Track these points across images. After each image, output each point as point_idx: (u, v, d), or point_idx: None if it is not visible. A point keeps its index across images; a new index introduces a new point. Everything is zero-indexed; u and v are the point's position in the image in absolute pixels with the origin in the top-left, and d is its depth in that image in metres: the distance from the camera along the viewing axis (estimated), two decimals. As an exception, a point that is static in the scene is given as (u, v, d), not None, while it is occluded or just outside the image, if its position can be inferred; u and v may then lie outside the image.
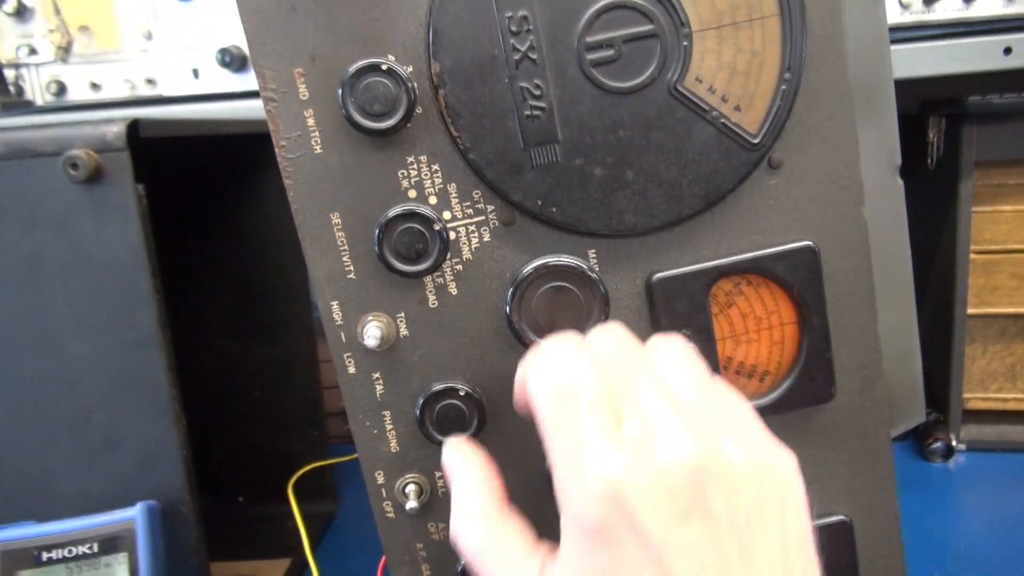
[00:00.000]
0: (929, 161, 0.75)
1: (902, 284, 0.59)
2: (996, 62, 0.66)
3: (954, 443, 0.76)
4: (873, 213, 0.54)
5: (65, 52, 0.79)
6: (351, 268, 0.34)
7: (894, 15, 0.67)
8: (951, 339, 0.75)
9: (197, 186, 0.71)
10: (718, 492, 0.26)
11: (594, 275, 0.34)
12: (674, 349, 0.30)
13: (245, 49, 0.75)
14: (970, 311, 0.75)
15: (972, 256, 0.74)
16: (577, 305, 0.34)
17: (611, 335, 0.30)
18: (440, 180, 0.34)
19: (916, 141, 0.74)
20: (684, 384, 0.28)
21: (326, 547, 0.74)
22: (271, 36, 0.32)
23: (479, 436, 0.35)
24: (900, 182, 0.55)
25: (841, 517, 0.38)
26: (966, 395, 0.77)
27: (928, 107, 0.74)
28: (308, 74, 0.32)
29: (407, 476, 0.36)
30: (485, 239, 0.34)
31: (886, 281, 0.58)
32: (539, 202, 0.34)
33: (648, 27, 0.32)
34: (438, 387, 0.35)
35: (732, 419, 0.28)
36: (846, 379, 0.37)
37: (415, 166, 0.34)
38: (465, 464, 0.32)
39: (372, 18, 0.32)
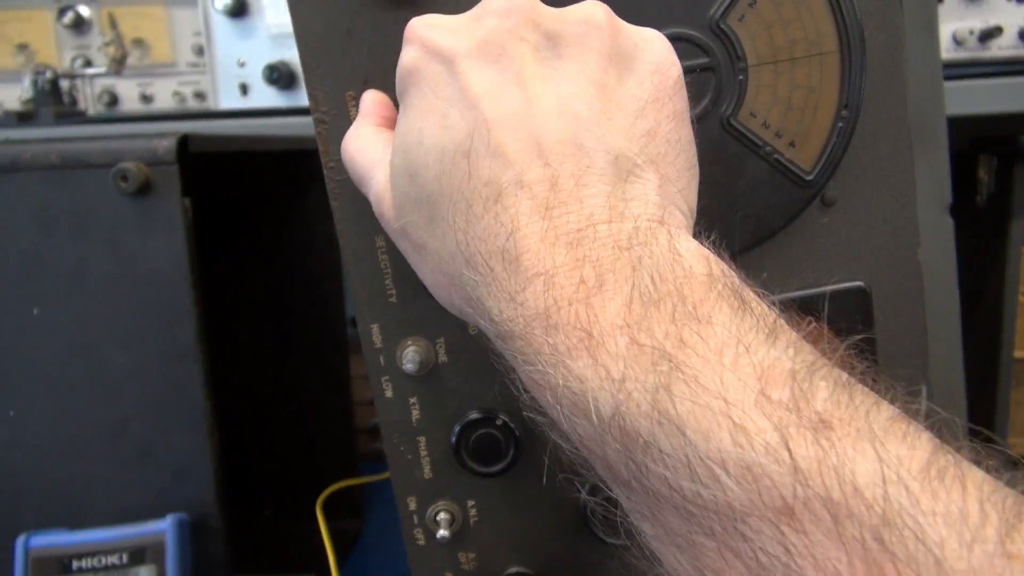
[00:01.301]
0: (979, 199, 0.74)
1: (949, 325, 0.58)
2: (1051, 101, 0.65)
3: (998, 491, 0.74)
4: (922, 251, 0.53)
5: (119, 65, 0.80)
6: (393, 292, 0.34)
7: (948, 51, 0.66)
8: (997, 383, 0.73)
9: (239, 200, 0.72)
10: (529, 23, 0.27)
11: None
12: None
13: (293, 66, 0.76)
14: (1017, 354, 0.73)
15: (1021, 298, 0.72)
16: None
17: None
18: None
19: (966, 179, 0.73)
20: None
21: (351, 566, 0.74)
22: (325, 59, 0.32)
23: (513, 468, 0.35)
24: (950, 220, 0.54)
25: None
26: (1011, 440, 0.75)
27: (979, 145, 0.73)
28: (359, 97, 0.33)
29: (439, 503, 0.36)
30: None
31: (933, 321, 0.57)
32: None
33: (704, 60, 0.32)
34: (475, 416, 0.35)
35: None
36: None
37: (462, 192, 0.33)
38: (365, 97, 0.33)
39: None
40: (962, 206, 0.66)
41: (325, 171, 0.33)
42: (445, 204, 0.26)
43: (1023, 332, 0.73)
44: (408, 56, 0.28)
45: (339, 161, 0.33)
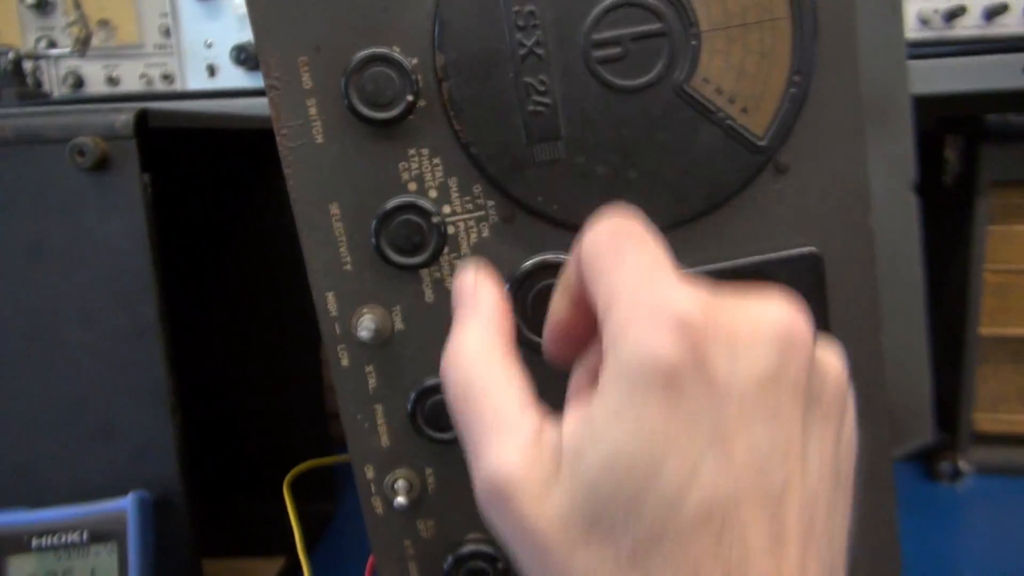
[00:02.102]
0: (945, 179, 0.74)
1: (913, 301, 0.58)
2: (1015, 81, 0.66)
3: (962, 465, 0.75)
4: (886, 228, 0.53)
5: (83, 46, 0.79)
6: (348, 260, 0.34)
7: (914, 31, 0.67)
8: (962, 360, 0.74)
9: (208, 182, 0.71)
10: (806, 368, 0.22)
11: (594, 275, 0.34)
12: None
13: (260, 46, 0.75)
14: (982, 332, 0.74)
15: (986, 276, 0.73)
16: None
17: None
18: (441, 174, 0.33)
19: (933, 159, 0.74)
20: None
21: (323, 547, 0.74)
22: (277, 24, 0.32)
23: (471, 434, 0.35)
24: (915, 198, 0.54)
25: None
26: (976, 417, 0.76)
27: (945, 125, 0.73)
28: (312, 63, 0.32)
29: (397, 471, 0.36)
30: (484, 235, 0.34)
31: (897, 298, 0.57)
32: (540, 199, 0.33)
33: (657, 26, 0.32)
34: (431, 382, 0.35)
35: None
36: (849, 390, 0.36)
37: (416, 159, 0.33)
38: (479, 289, 0.27)
39: (380, 8, 0.32)
40: (930, 186, 0.66)
41: (278, 138, 0.33)
42: (660, 565, 0.20)
43: (989, 310, 0.74)
44: (669, 348, 0.21)
45: (292, 128, 0.33)
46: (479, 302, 0.27)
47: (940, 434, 0.77)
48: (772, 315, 0.23)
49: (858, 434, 0.36)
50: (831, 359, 0.24)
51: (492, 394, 0.24)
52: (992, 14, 0.65)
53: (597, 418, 0.22)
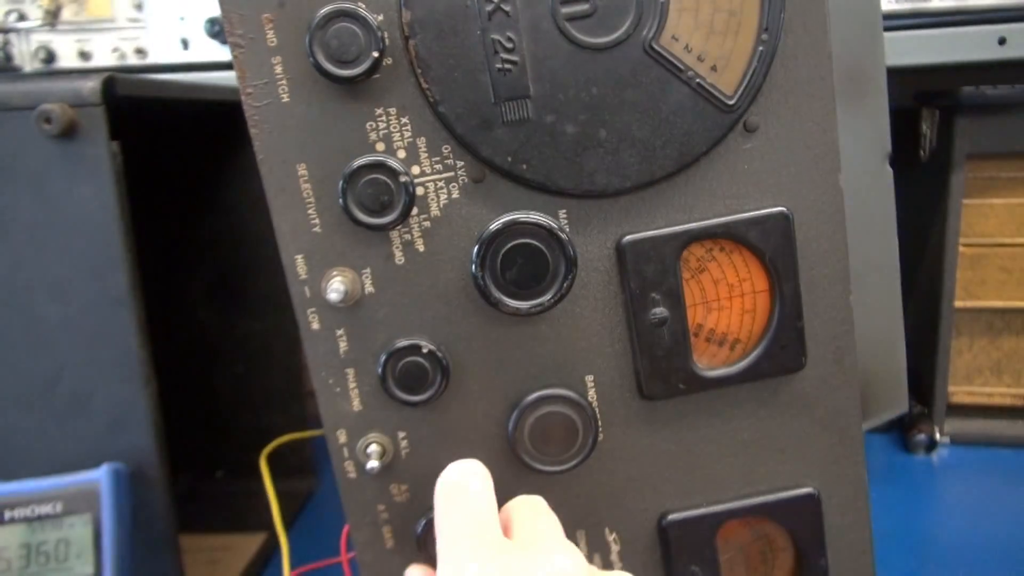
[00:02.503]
0: (922, 153, 0.75)
1: (888, 273, 0.59)
2: (991, 52, 0.66)
3: (938, 436, 0.76)
4: (862, 200, 0.54)
5: (53, 18, 0.78)
6: (317, 221, 0.34)
7: (889, 2, 0.67)
8: (937, 332, 0.75)
9: (182, 155, 0.70)
10: None
11: (563, 235, 0.34)
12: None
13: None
14: (957, 304, 0.74)
15: (961, 249, 0.73)
16: (544, 264, 0.33)
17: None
18: (409, 133, 0.33)
19: (909, 133, 0.74)
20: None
21: (303, 523, 0.73)
22: None
23: (441, 397, 0.35)
24: (889, 170, 0.55)
25: (809, 490, 0.38)
26: (951, 388, 0.76)
27: (922, 99, 0.74)
28: (276, 20, 0.32)
29: (369, 436, 0.36)
30: (454, 196, 0.34)
31: (872, 270, 0.58)
32: (509, 159, 0.33)
33: (624, -18, 0.32)
34: (401, 344, 0.34)
35: None
36: (817, 350, 0.36)
37: (384, 118, 0.33)
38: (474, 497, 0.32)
39: None
40: (906, 160, 0.67)
41: (243, 97, 0.33)
42: None
43: (964, 282, 0.74)
44: None
45: (257, 87, 0.33)
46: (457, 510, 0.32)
47: (915, 405, 0.78)
48: None
49: (829, 389, 0.36)
50: None
51: None
52: (967, -15, 0.65)
53: None
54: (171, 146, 0.69)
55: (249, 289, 0.74)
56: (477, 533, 0.29)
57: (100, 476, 0.46)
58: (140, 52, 0.84)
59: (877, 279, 0.58)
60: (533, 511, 0.32)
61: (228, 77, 0.71)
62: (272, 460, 0.71)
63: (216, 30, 0.75)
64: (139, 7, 0.83)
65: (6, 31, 0.80)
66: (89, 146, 0.46)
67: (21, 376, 0.48)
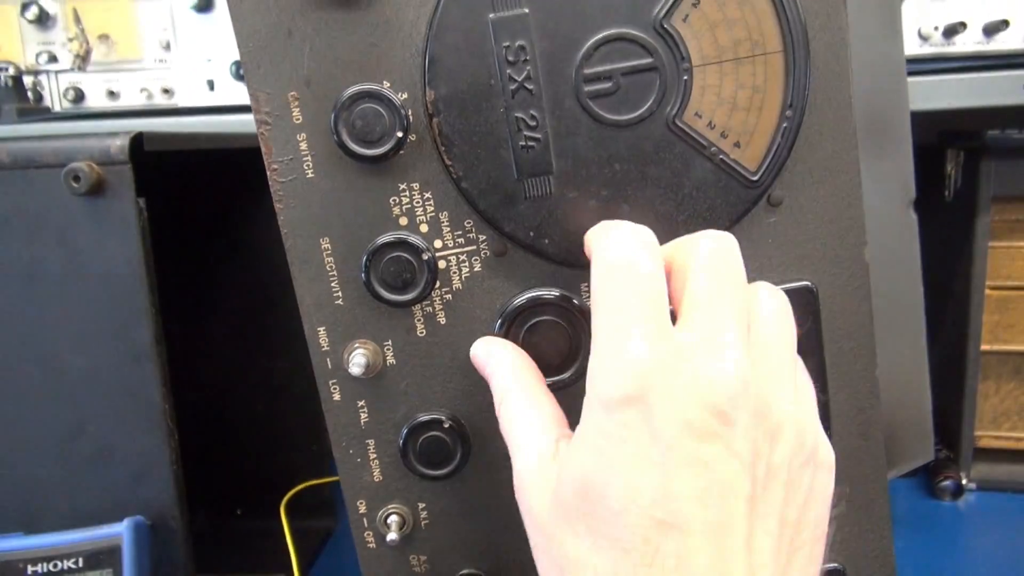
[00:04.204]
0: (946, 193, 0.74)
1: (913, 319, 0.58)
2: (1016, 97, 0.65)
3: (964, 482, 0.74)
4: (886, 246, 0.53)
5: (83, 60, 0.79)
6: (339, 294, 0.34)
7: (913, 47, 0.67)
8: (964, 375, 0.73)
9: (205, 198, 0.71)
10: (752, 431, 0.26)
11: (586, 310, 0.33)
12: (780, 305, 0.29)
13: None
14: (984, 347, 0.73)
15: (987, 292, 0.72)
16: (566, 341, 0.33)
17: (724, 243, 0.28)
18: (432, 208, 0.33)
19: (934, 172, 0.73)
20: (769, 332, 0.28)
21: (322, 563, 0.73)
22: (266, 59, 0.32)
23: (462, 470, 0.35)
24: (914, 215, 0.54)
25: (835, 565, 0.37)
26: (978, 433, 0.75)
27: (946, 139, 0.73)
28: (302, 98, 0.32)
29: (390, 506, 0.36)
30: (476, 269, 0.34)
31: (897, 315, 0.57)
32: (532, 233, 0.33)
33: (647, 60, 0.32)
34: (423, 418, 0.34)
35: (800, 388, 0.28)
36: (843, 423, 0.36)
37: (407, 193, 0.33)
38: (507, 350, 0.33)
39: (369, 44, 0.32)
40: (931, 200, 0.66)
41: (269, 173, 0.33)
42: (616, 552, 0.25)
43: (990, 326, 0.73)
44: (618, 391, 0.26)
45: (283, 163, 0.33)
46: (499, 360, 0.32)
47: (941, 450, 0.76)
48: (716, 380, 0.26)
49: (855, 464, 0.36)
50: (788, 425, 0.27)
51: (520, 422, 0.30)
52: (992, 31, 0.65)
53: (574, 441, 0.27)
54: (195, 190, 0.70)
55: (271, 328, 0.74)
56: (650, 316, 0.26)
57: (122, 530, 0.46)
58: (167, 92, 0.85)
59: (902, 326, 0.58)
60: (714, 286, 0.28)
61: (252, 120, 0.72)
62: (291, 500, 0.71)
63: (242, 72, 0.75)
64: (167, 47, 0.84)
65: (37, 72, 0.82)
66: (116, 203, 0.46)
67: (44, 427, 0.49)
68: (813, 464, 0.28)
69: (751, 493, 0.25)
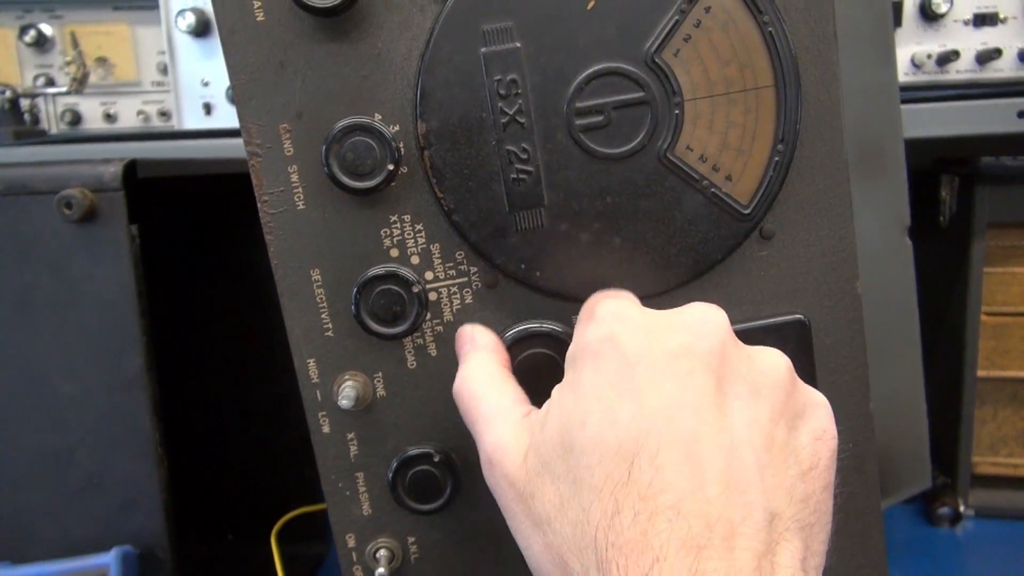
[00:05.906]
0: (941, 220, 0.74)
1: (909, 346, 0.58)
2: (1009, 125, 0.65)
3: (962, 508, 0.74)
4: (881, 272, 0.53)
5: (80, 84, 0.80)
6: (329, 326, 0.34)
7: (907, 75, 0.67)
8: (961, 402, 0.73)
9: (199, 222, 0.71)
10: (719, 351, 0.27)
11: (577, 342, 0.33)
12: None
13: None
14: (980, 374, 0.73)
15: (983, 318, 0.72)
16: (558, 373, 0.33)
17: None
18: (423, 240, 0.33)
19: (929, 199, 0.73)
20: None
21: (313, 590, 0.73)
22: (259, 91, 0.32)
23: (452, 504, 0.34)
24: (909, 243, 0.54)
25: None
26: (975, 459, 0.75)
27: (941, 165, 0.73)
28: (294, 130, 0.32)
29: (379, 541, 0.35)
30: (467, 301, 0.34)
31: (892, 342, 0.57)
32: (523, 266, 0.33)
33: (639, 94, 0.32)
34: (412, 452, 0.34)
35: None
36: (837, 457, 0.36)
37: (398, 225, 0.33)
38: (478, 331, 0.33)
39: (361, 76, 0.32)
40: (926, 226, 0.66)
41: (260, 204, 0.33)
42: (590, 496, 0.25)
43: (986, 352, 0.73)
44: (593, 335, 0.28)
45: (274, 195, 0.33)
46: (477, 341, 0.33)
47: (939, 476, 0.76)
48: (688, 311, 0.29)
49: (849, 498, 0.35)
50: (764, 354, 0.29)
51: (489, 397, 0.31)
52: (985, 59, 0.65)
53: (552, 398, 0.29)
54: (189, 214, 0.70)
55: (264, 353, 0.74)
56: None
57: (109, 560, 0.46)
58: (164, 115, 0.85)
59: (898, 353, 0.58)
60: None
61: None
62: (283, 525, 0.71)
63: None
64: (164, 71, 0.85)
65: (34, 95, 0.82)
66: (108, 230, 0.46)
67: (34, 454, 0.48)
68: (816, 416, 0.28)
69: (721, 403, 0.26)
